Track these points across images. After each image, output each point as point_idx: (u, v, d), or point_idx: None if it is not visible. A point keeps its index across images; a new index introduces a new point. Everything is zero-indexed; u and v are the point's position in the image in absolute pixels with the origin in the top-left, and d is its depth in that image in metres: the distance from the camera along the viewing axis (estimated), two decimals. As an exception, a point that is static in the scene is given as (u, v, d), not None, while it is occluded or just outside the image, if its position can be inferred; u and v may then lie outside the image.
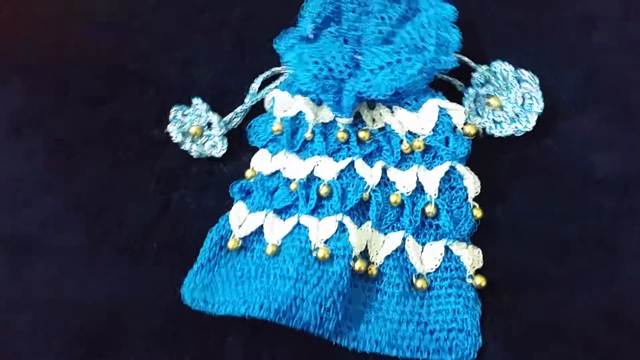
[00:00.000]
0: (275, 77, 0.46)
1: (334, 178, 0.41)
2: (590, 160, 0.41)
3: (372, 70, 0.42)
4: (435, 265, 0.39)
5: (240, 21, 0.49)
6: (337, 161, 0.42)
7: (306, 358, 0.39)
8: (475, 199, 0.40)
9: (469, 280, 0.39)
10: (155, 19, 0.50)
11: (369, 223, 0.40)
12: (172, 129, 0.44)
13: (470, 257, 0.39)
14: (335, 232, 0.39)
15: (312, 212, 0.40)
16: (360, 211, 0.40)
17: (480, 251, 0.40)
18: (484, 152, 0.41)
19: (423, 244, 0.40)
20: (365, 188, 0.41)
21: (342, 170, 0.41)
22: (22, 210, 0.44)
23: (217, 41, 0.48)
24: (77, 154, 0.45)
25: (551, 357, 0.37)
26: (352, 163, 0.42)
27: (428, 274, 0.39)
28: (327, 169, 0.42)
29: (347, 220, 0.39)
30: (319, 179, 0.42)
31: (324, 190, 0.41)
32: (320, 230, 0.39)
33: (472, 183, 0.40)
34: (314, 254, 0.38)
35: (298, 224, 0.40)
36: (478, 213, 0.40)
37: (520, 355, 0.37)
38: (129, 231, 0.43)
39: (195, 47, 0.48)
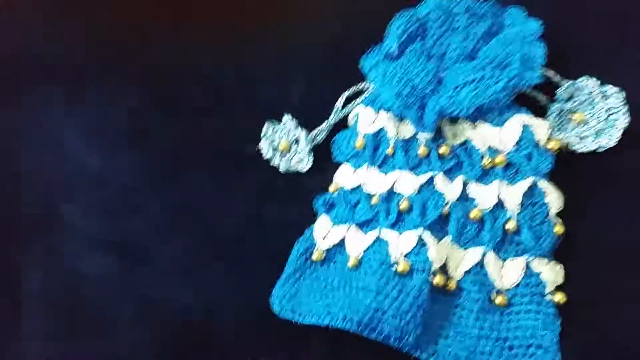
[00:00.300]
0: (360, 92, 0.47)
1: (414, 193, 0.42)
2: None
3: (455, 87, 0.42)
4: (516, 282, 0.39)
5: (333, 39, 0.50)
6: (418, 176, 0.43)
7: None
8: (556, 214, 0.40)
9: (549, 297, 0.39)
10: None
11: (449, 238, 0.41)
12: (264, 145, 0.47)
13: (552, 273, 0.39)
14: (415, 247, 0.40)
15: (393, 226, 0.42)
16: (440, 226, 0.41)
17: (562, 267, 0.39)
18: (565, 166, 0.41)
19: (503, 260, 0.40)
20: (445, 203, 0.41)
21: (422, 185, 0.42)
22: (130, 216, 0.48)
23: (310, 59, 0.50)
24: (181, 165, 0.49)
25: None
26: (432, 178, 0.42)
27: (508, 290, 0.39)
28: (408, 183, 0.43)
29: (427, 235, 0.40)
30: (399, 193, 0.43)
31: (404, 204, 0.42)
32: (400, 244, 0.41)
33: (555, 199, 0.40)
34: (394, 268, 0.40)
35: (379, 237, 0.41)
36: (560, 229, 0.40)
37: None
38: (224, 240, 0.46)
39: (289, 65, 0.50)
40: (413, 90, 0.43)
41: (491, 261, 0.40)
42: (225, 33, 0.52)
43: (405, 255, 0.40)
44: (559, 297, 0.38)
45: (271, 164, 0.47)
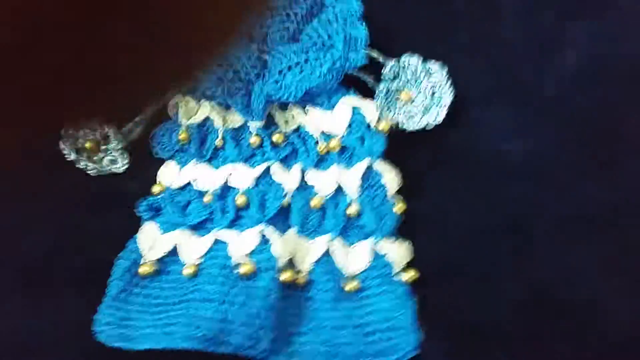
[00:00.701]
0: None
1: (250, 186, 0.39)
2: (504, 148, 0.42)
3: (280, 72, 0.40)
4: (364, 265, 0.38)
5: None
6: (253, 167, 0.40)
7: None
8: (395, 193, 0.40)
9: (399, 276, 0.38)
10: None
11: (293, 230, 0.38)
12: (64, 146, 0.40)
13: (398, 252, 0.39)
14: (258, 244, 0.37)
15: (231, 225, 0.38)
16: (281, 218, 0.39)
17: (409, 244, 0.39)
18: (399, 146, 0.41)
19: (350, 245, 0.39)
20: (284, 194, 0.39)
21: (258, 177, 0.40)
22: None
23: None
24: None
25: (477, 346, 0.38)
26: (268, 169, 0.40)
27: (358, 275, 0.38)
28: (242, 177, 0.40)
29: (269, 230, 0.38)
30: (235, 188, 0.39)
31: (240, 200, 0.39)
32: (241, 243, 0.37)
33: (391, 178, 0.40)
34: (236, 271, 0.36)
35: (217, 239, 0.38)
36: (401, 206, 0.40)
37: (448, 348, 0.38)
38: (23, 261, 0.38)
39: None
40: (236, 75, 0.40)
41: (338, 248, 0.38)
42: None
43: (248, 255, 0.37)
44: (410, 275, 0.38)
45: (77, 166, 0.40)
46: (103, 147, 0.41)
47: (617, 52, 0.43)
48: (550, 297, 0.38)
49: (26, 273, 0.38)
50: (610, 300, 0.38)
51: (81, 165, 0.40)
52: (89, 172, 0.40)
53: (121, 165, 0.41)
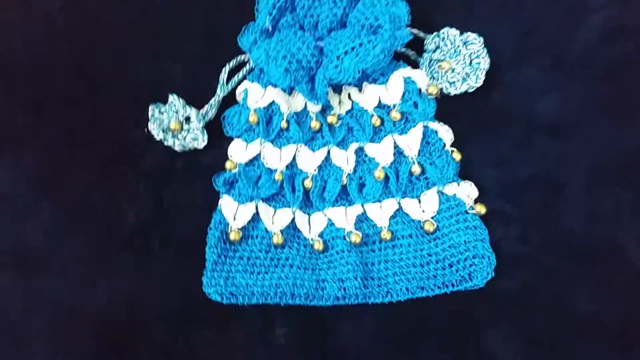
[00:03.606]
0: (242, 64, 0.47)
1: (315, 170, 0.44)
2: (533, 107, 0.46)
3: (338, 57, 0.43)
4: (435, 208, 0.43)
5: (208, 11, 0.49)
6: (314, 150, 0.45)
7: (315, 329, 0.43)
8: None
9: (470, 211, 0.43)
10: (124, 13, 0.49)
11: (358, 200, 0.44)
12: (153, 127, 0.46)
13: (465, 191, 0.43)
14: (325, 226, 0.44)
15: (301, 207, 0.44)
16: (349, 191, 0.44)
17: (472, 183, 0.44)
18: (439, 110, 0.45)
19: (418, 197, 0.44)
20: (343, 177, 0.44)
21: (321, 162, 0.45)
22: (22, 222, 0.45)
23: (186, 33, 0.48)
24: (62, 159, 0.46)
25: (515, 281, 0.43)
26: (328, 152, 0.45)
27: (432, 217, 0.43)
28: (307, 160, 0.45)
29: (332, 211, 0.44)
30: (302, 171, 0.45)
31: (308, 184, 0.44)
32: (312, 226, 0.44)
33: (445, 132, 0.44)
34: (313, 247, 0.43)
35: (293, 219, 0.44)
36: (457, 156, 0.44)
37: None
38: (129, 231, 0.44)
39: (164, 40, 0.48)
40: (299, 65, 0.43)
41: (407, 203, 0.43)
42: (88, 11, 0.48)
43: (319, 235, 0.44)
44: (479, 208, 0.43)
45: (165, 144, 0.46)
46: (186, 127, 0.46)
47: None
48: (579, 244, 0.43)
49: (131, 239, 0.44)
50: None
51: (169, 142, 0.46)
52: (175, 148, 0.46)
53: (202, 141, 0.46)
